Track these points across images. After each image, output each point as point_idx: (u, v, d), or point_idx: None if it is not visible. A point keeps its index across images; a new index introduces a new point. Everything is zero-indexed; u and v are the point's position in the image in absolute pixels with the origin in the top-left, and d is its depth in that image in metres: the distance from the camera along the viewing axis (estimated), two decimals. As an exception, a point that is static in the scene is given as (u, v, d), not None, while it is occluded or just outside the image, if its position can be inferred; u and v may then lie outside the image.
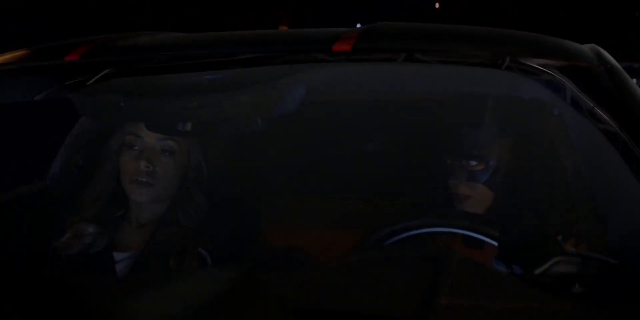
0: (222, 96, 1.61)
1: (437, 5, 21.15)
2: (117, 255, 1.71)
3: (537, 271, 1.58)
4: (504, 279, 1.60)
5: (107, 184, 1.75)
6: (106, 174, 1.76)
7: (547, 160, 1.79)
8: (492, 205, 1.76)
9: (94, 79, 1.43)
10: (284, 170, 2.09)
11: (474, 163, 1.75)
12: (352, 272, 1.58)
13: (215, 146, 1.81)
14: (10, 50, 1.59)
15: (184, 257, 1.64)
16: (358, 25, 1.67)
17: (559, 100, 1.34)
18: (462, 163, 1.76)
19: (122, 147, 1.73)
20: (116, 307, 1.26)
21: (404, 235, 1.70)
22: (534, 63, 1.29)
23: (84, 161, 2.18)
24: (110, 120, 1.87)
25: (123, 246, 1.73)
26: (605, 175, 1.49)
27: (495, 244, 1.67)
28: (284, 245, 1.76)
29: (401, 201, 1.92)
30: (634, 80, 1.43)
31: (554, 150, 1.78)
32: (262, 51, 1.41)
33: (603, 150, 1.28)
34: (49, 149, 2.23)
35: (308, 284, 1.51)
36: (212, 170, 1.76)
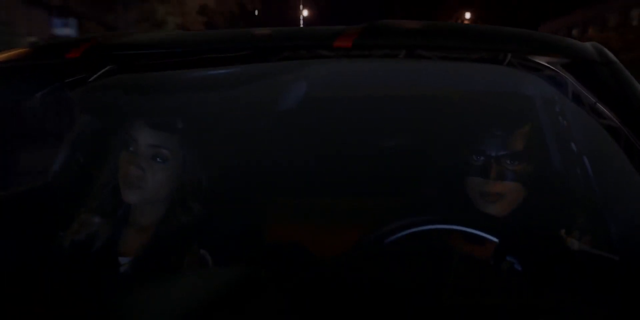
0: (223, 93, 1.60)
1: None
2: (120, 259, 1.72)
3: (538, 267, 1.59)
4: (505, 275, 1.60)
5: (110, 178, 1.76)
6: (109, 169, 1.76)
7: (550, 155, 1.79)
8: (521, 204, 1.74)
9: (94, 76, 1.43)
10: (284, 167, 2.09)
11: (514, 162, 1.72)
12: (353, 270, 1.58)
13: (215, 143, 1.81)
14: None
15: (184, 257, 1.64)
16: None
17: (561, 96, 1.34)
18: (499, 161, 1.72)
19: (121, 145, 1.73)
20: (117, 307, 1.27)
21: (405, 232, 1.69)
22: (537, 59, 1.29)
23: (84, 158, 2.18)
24: (111, 117, 1.87)
25: (125, 250, 1.73)
26: (608, 169, 1.49)
27: (497, 240, 1.67)
28: (285, 243, 1.75)
29: (403, 199, 1.92)
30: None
31: (556, 145, 1.79)
32: (263, 48, 1.41)
33: (605, 145, 1.28)
34: (50, 146, 2.23)
35: (309, 283, 1.51)
36: (211, 168, 1.75)
